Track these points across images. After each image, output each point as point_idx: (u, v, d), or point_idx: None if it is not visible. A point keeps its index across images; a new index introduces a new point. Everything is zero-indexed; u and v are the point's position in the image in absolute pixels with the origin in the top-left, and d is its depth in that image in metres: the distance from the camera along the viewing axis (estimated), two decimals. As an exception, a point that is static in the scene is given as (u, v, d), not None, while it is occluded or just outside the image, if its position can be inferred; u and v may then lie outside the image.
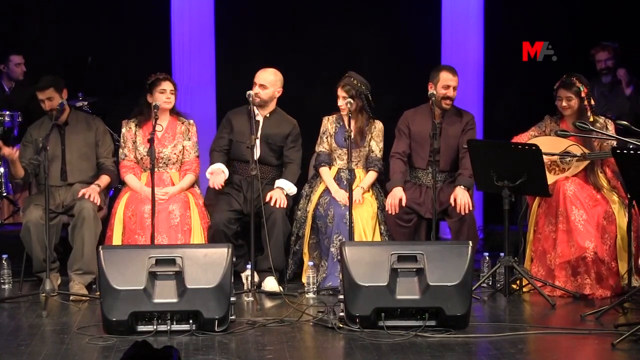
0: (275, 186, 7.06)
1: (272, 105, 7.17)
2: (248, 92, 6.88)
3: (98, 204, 6.89)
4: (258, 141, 7.07)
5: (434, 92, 7.02)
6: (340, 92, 7.12)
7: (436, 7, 8.94)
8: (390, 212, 6.98)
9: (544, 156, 6.56)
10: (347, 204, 6.76)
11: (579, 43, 8.85)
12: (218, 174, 7.05)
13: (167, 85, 7.05)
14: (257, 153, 7.03)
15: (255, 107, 7.00)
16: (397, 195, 7.00)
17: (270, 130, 7.13)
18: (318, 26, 9.05)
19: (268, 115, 7.13)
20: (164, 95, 7.02)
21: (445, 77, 7.08)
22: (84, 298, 6.63)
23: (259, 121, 7.12)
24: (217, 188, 7.01)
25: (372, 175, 7.22)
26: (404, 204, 6.98)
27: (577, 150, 6.82)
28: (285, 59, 8.86)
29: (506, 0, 9.06)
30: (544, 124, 7.03)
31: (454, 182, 7.09)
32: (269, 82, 7.10)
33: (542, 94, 8.66)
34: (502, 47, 8.94)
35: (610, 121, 6.95)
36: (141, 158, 7.11)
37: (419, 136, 7.17)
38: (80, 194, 6.88)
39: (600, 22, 8.89)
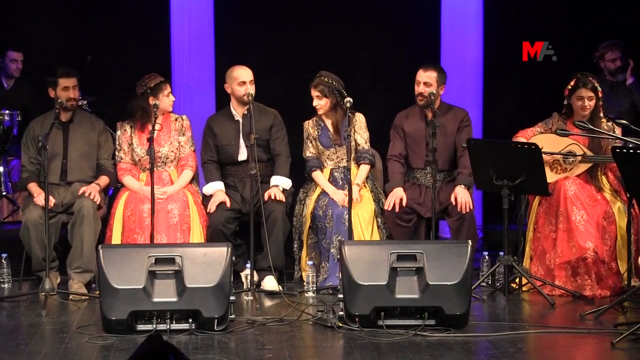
0: (270, 184, 7.04)
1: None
2: (247, 93, 6.90)
3: (98, 202, 6.89)
4: (242, 141, 7.07)
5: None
6: (314, 93, 7.14)
7: (436, 7, 8.93)
8: (389, 210, 6.96)
9: (546, 154, 6.54)
10: (346, 205, 6.75)
11: (579, 43, 8.84)
12: (220, 198, 7.00)
13: (168, 88, 7.06)
14: (244, 153, 7.03)
15: (234, 108, 7.04)
16: (398, 194, 6.98)
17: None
18: (317, 26, 9.04)
19: (246, 112, 7.09)
20: (169, 99, 7.03)
21: (417, 73, 7.07)
22: (83, 297, 6.63)
23: (238, 121, 7.11)
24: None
25: (364, 169, 7.18)
26: (404, 204, 6.97)
27: (577, 150, 6.81)
28: (285, 58, 8.87)
29: (506, 0, 9.06)
30: (552, 121, 6.96)
31: (452, 181, 7.08)
32: (253, 77, 7.09)
33: (542, 93, 8.67)
34: (502, 47, 8.93)
35: (617, 125, 6.77)
36: (139, 159, 7.10)
37: (414, 136, 7.15)
38: (80, 191, 6.87)
39: (600, 22, 8.87)
